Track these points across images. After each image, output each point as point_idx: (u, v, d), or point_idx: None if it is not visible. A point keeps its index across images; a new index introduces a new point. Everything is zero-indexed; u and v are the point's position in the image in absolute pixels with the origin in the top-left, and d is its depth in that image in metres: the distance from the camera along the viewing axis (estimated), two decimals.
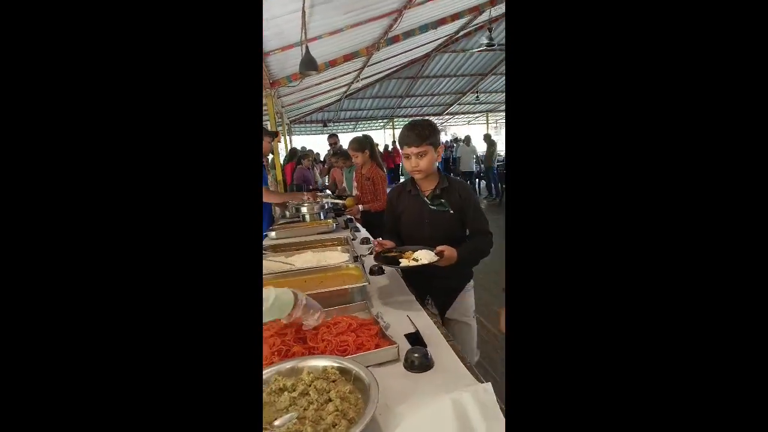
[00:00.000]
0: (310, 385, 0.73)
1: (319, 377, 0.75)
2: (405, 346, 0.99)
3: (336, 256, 1.70)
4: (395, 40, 5.30)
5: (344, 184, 3.99)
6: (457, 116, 14.81)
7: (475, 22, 6.64)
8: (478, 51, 8.15)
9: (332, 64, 5.10)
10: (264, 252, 1.87)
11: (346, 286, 1.26)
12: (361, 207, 2.83)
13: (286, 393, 0.71)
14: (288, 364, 0.81)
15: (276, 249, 1.97)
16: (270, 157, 4.59)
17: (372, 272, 1.61)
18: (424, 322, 1.14)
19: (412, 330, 1.07)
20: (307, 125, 13.11)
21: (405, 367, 0.90)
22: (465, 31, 7.30)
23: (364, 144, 2.89)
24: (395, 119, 13.87)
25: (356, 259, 1.65)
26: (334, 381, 0.75)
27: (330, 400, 0.69)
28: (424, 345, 0.99)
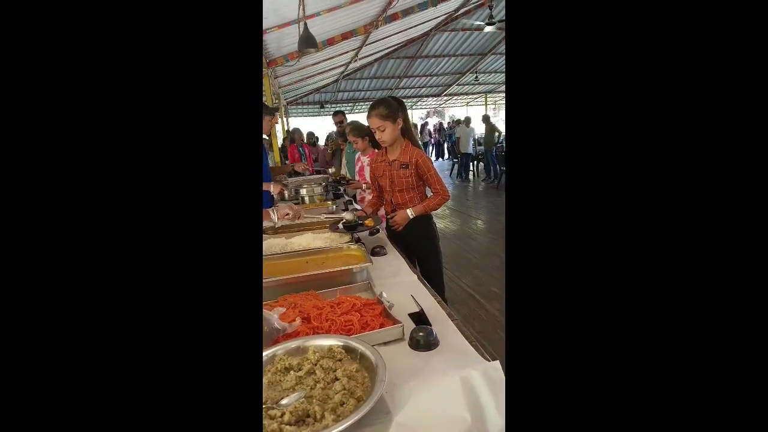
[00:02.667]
0: (316, 364, 0.72)
1: (325, 356, 0.75)
2: (410, 325, 0.98)
3: (337, 238, 1.68)
4: (394, 17, 5.18)
5: (344, 169, 3.73)
6: (455, 97, 14.64)
7: None
8: (477, 30, 7.99)
9: (330, 42, 4.99)
10: (264, 233, 1.85)
11: (349, 266, 1.25)
12: (382, 214, 2.07)
13: (292, 372, 0.70)
14: (293, 344, 0.80)
15: (276, 231, 1.95)
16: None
17: (374, 253, 1.60)
18: (429, 302, 1.14)
19: (417, 309, 1.06)
20: (304, 107, 12.94)
21: (410, 346, 0.90)
22: (465, 9, 7.13)
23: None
24: None
25: (358, 240, 1.64)
26: (340, 360, 0.74)
27: (337, 378, 0.69)
28: (429, 324, 0.98)
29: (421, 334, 0.90)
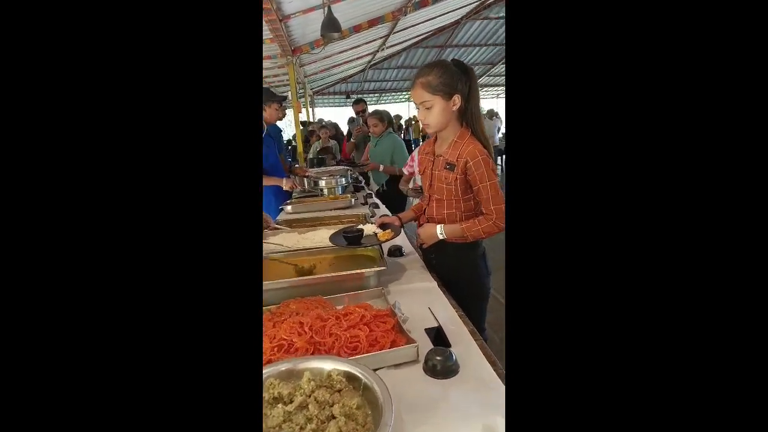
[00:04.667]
0: (310, 396, 0.60)
1: (321, 385, 0.63)
2: (425, 344, 0.85)
3: None
4: (424, 3, 4.98)
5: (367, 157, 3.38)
6: (486, 89, 14.19)
7: None
8: None
9: (356, 29, 4.84)
10: (278, 227, 1.76)
11: (361, 271, 1.12)
12: (421, 231, 1.32)
13: (280, 406, 0.58)
14: (285, 365, 0.68)
15: (291, 224, 1.86)
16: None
17: (390, 253, 1.47)
18: (448, 314, 1.00)
19: (434, 324, 0.93)
20: (330, 96, 12.86)
21: (425, 371, 0.77)
22: None
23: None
24: None
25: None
26: (339, 391, 0.62)
27: (333, 417, 0.57)
28: (448, 344, 0.85)
29: (438, 358, 0.76)
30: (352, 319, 0.87)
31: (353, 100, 4.76)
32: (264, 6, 2.94)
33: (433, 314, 0.95)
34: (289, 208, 2.29)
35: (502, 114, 9.23)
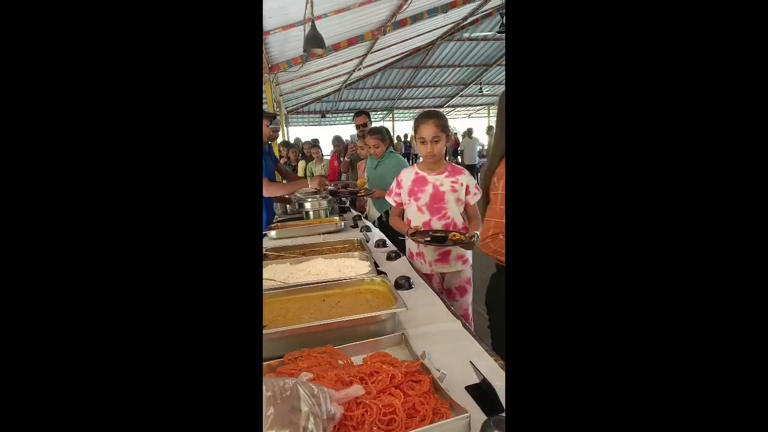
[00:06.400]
0: None
1: None
2: (471, 408, 0.69)
3: (353, 266, 1.40)
4: (402, 24, 4.99)
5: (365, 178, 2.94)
6: (457, 108, 14.46)
7: (486, 6, 6.30)
8: (483, 40, 7.84)
9: (335, 48, 4.77)
10: (264, 257, 1.57)
11: (378, 313, 0.96)
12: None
13: None
14: None
15: (278, 252, 1.67)
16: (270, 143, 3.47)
17: (398, 286, 1.31)
18: (486, 365, 0.85)
19: (476, 380, 0.78)
20: (305, 116, 12.73)
21: None
22: (474, 18, 6.96)
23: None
24: (395, 111, 13.50)
25: (378, 270, 1.35)
26: None
27: None
28: (501, 408, 0.70)
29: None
30: (381, 381, 0.70)
31: (328, 119, 4.47)
32: None
33: (474, 367, 0.79)
34: (273, 233, 2.10)
35: (476, 134, 9.36)
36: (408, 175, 1.81)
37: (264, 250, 1.68)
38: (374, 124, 2.94)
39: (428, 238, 1.59)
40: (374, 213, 2.77)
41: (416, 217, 1.78)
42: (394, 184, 1.90)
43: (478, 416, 0.68)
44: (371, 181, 2.77)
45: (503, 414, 0.66)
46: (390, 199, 1.92)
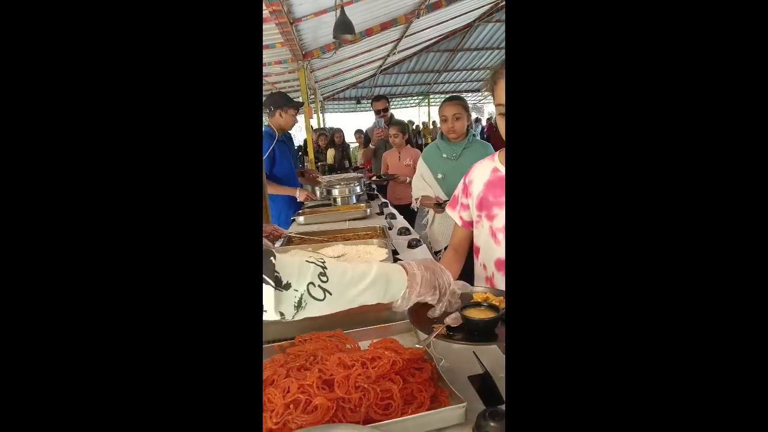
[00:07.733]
0: None
1: None
2: (471, 398, 0.69)
3: (371, 252, 1.41)
4: (437, 6, 4.85)
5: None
6: None
7: None
8: None
9: (368, 33, 4.73)
10: (289, 243, 1.62)
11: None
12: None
13: None
14: None
15: (303, 237, 1.72)
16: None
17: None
18: (493, 356, 0.84)
19: (479, 370, 0.77)
20: (340, 102, 12.78)
21: None
22: None
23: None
24: (431, 96, 13.26)
25: (396, 258, 1.36)
26: None
27: None
28: (501, 400, 0.69)
29: (492, 424, 0.61)
30: (381, 367, 0.72)
31: (363, 105, 4.42)
32: (275, 8, 2.84)
33: (477, 358, 0.79)
34: (300, 219, 2.16)
35: None
36: (482, 171, 1.09)
37: (290, 234, 1.73)
38: (409, 110, 2.90)
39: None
40: (438, 236, 2.01)
41: (488, 246, 1.06)
42: (459, 188, 1.17)
43: (478, 406, 0.68)
44: (445, 180, 1.97)
45: (503, 406, 0.66)
46: (454, 214, 1.18)
